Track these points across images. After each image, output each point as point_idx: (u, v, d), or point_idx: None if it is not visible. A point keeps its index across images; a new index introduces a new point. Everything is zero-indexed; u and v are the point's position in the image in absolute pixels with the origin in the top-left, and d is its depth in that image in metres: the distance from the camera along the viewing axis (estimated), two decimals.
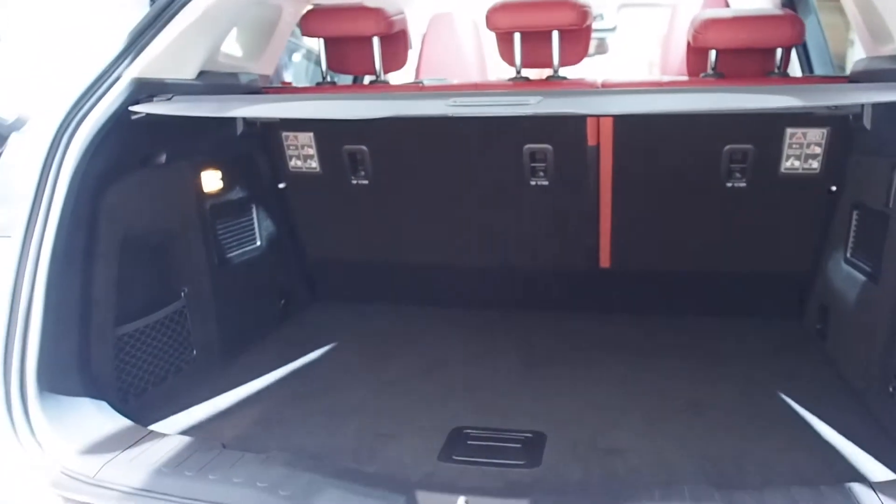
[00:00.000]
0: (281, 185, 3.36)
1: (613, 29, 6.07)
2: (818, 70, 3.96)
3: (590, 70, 3.58)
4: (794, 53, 4.05)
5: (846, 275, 2.73)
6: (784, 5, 3.93)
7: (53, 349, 2.03)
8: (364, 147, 3.17)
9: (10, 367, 1.93)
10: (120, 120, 2.24)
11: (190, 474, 1.83)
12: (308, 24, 3.18)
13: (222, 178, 2.95)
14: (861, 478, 1.80)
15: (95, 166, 2.18)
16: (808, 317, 3.08)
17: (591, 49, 5.39)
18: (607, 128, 2.97)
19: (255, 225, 3.20)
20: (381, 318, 3.38)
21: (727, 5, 4.11)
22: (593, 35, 5.10)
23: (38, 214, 2.01)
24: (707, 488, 1.78)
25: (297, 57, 5.40)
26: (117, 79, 2.25)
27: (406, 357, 2.95)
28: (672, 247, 3.21)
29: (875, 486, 1.69)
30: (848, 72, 2.75)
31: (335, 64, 3.33)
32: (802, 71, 4.06)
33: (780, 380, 2.65)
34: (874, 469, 2.00)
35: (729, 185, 2.99)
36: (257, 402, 2.58)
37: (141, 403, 2.37)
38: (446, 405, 2.49)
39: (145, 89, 2.32)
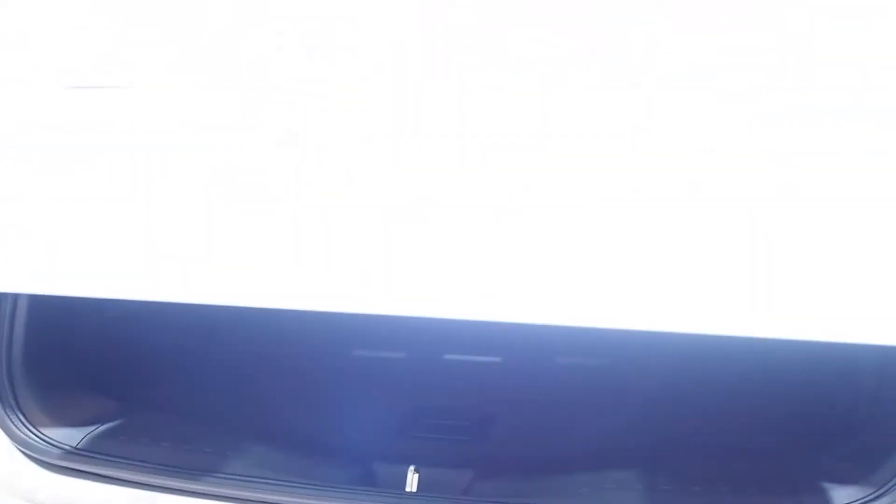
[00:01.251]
0: None
1: None
2: None
3: None
4: None
5: None
6: None
7: (40, 332, 2.19)
8: None
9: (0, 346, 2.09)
10: None
11: (166, 444, 2.02)
12: None
13: None
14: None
15: None
16: None
17: None
18: None
19: None
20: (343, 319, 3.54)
21: None
22: None
23: None
24: (631, 459, 2.00)
25: None
26: None
27: (368, 353, 3.13)
28: None
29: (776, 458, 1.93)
30: None
31: None
32: None
33: None
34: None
35: None
36: (228, 388, 2.75)
37: (121, 386, 2.53)
38: (405, 393, 2.69)
39: None
